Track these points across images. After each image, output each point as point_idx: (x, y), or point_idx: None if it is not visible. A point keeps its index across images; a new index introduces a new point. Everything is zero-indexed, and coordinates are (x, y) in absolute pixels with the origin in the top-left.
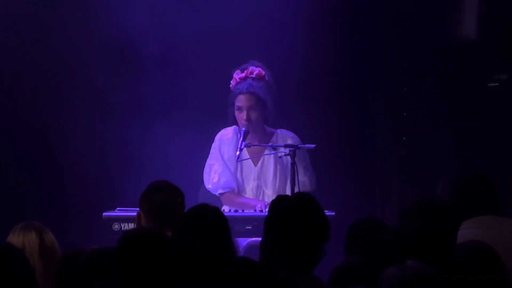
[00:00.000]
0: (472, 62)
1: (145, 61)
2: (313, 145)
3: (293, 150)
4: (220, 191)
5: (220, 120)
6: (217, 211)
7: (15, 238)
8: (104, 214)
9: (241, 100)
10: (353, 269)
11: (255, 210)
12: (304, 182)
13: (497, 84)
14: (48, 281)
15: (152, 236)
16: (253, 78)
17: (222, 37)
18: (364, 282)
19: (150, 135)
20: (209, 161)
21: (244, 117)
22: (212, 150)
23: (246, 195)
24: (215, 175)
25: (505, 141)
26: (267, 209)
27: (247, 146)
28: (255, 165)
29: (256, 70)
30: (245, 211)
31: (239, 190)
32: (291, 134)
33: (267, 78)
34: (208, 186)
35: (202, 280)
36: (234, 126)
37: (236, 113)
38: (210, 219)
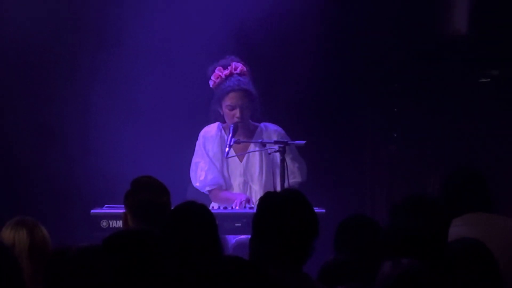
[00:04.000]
0: (463, 58)
1: (131, 58)
2: (303, 142)
3: (283, 147)
4: (208, 188)
5: (203, 117)
6: (203, 208)
7: (7, 234)
8: (92, 211)
9: (234, 98)
10: (342, 266)
11: (232, 207)
12: (294, 172)
13: (489, 80)
14: (37, 281)
15: (143, 235)
16: (238, 74)
17: (211, 33)
18: (353, 279)
19: (138, 131)
20: (194, 159)
21: (238, 114)
22: (196, 148)
23: (234, 191)
24: (201, 173)
25: (497, 137)
26: (244, 204)
27: (236, 142)
28: (241, 161)
29: (239, 65)
30: (234, 208)
31: (227, 186)
32: (275, 127)
33: (248, 74)
34: (196, 184)
35: (190, 279)
36: (217, 123)
37: (226, 111)
38: (197, 217)
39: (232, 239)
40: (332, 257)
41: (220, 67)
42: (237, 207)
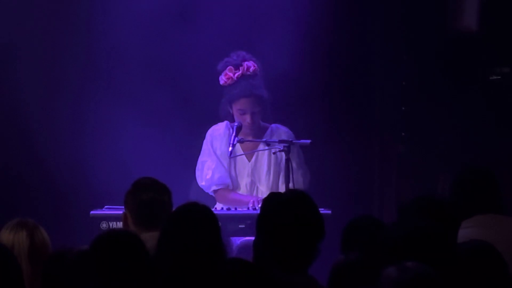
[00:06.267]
0: (473, 55)
1: (129, 55)
2: (308, 141)
3: (288, 146)
4: (214, 188)
5: (210, 116)
6: (206, 209)
7: (6, 236)
8: (91, 212)
9: (245, 104)
10: (355, 266)
11: (248, 208)
12: (297, 180)
13: (499, 77)
14: (35, 284)
15: (122, 238)
16: (250, 76)
17: (214, 28)
18: (366, 280)
19: (139, 131)
20: (201, 158)
21: (249, 120)
22: (204, 147)
23: (240, 192)
24: (208, 172)
25: (508, 135)
26: (257, 204)
27: (240, 141)
28: (249, 160)
29: (251, 65)
30: (238, 209)
31: (233, 187)
32: (285, 129)
33: (259, 71)
34: (202, 183)
35: (191, 281)
36: (225, 122)
37: (237, 114)
38: (199, 218)
39: (237, 240)
40: (342, 257)
41: (231, 67)
42: (251, 206)
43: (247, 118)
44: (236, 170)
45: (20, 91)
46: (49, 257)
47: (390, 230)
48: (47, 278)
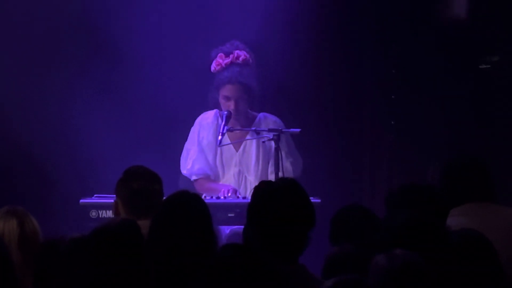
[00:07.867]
0: (463, 43)
1: (119, 46)
2: (298, 130)
3: (277, 135)
4: (194, 177)
5: (201, 105)
6: (197, 198)
7: None
8: (81, 201)
9: (230, 90)
10: (348, 258)
11: (218, 197)
12: (287, 167)
13: (489, 66)
14: (25, 272)
15: (123, 228)
16: (239, 65)
17: (206, 21)
18: (358, 271)
19: (128, 120)
20: (186, 145)
21: (233, 107)
22: (190, 134)
23: (228, 182)
24: (189, 161)
25: (497, 124)
26: (230, 195)
27: (229, 130)
28: (237, 150)
29: (241, 55)
30: (227, 197)
31: (220, 176)
32: (274, 118)
33: (251, 61)
34: (184, 171)
35: (183, 269)
36: (215, 110)
37: (222, 101)
38: (190, 206)
39: (226, 229)
40: (336, 249)
41: (222, 54)
42: (222, 196)
43: (231, 104)
44: (223, 159)
45: (6, 80)
46: (41, 246)
47: (382, 222)
48: (40, 267)
